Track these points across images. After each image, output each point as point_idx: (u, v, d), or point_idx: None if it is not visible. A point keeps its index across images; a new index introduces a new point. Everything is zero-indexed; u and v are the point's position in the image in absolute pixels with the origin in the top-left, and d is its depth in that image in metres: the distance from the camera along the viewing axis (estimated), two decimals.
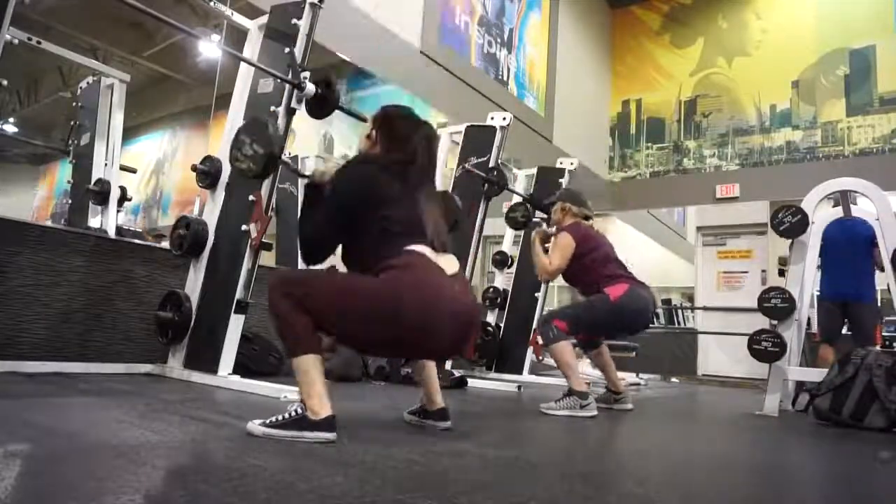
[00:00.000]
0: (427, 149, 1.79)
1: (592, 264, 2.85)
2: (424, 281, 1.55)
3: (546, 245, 3.06)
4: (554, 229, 3.07)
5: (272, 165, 2.49)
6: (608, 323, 2.82)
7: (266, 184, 2.62)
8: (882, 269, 3.47)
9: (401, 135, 1.77)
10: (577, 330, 2.76)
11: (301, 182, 1.63)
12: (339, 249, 1.77)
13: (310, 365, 1.52)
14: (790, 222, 3.38)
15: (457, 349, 1.70)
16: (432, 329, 1.55)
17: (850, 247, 3.85)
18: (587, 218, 3.04)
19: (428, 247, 1.63)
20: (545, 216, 4.60)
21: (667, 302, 10.07)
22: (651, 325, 2.93)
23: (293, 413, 1.50)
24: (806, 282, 3.43)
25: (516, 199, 4.85)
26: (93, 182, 3.64)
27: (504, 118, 4.04)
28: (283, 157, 2.71)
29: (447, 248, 1.70)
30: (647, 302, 2.82)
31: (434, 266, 1.60)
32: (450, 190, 4.05)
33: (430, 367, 1.90)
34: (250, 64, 2.78)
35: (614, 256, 2.94)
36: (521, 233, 4.91)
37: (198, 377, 2.57)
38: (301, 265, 5.16)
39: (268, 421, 1.50)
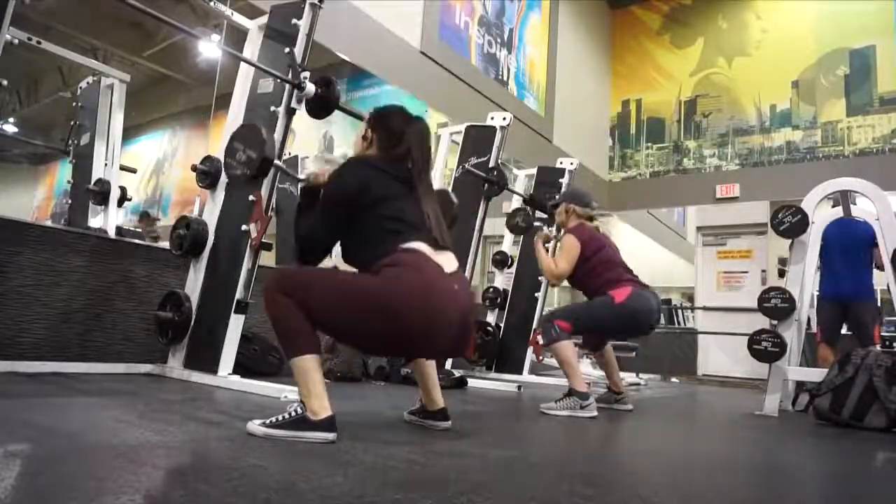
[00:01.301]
0: (422, 145, 1.79)
1: (598, 267, 2.85)
2: (423, 280, 1.55)
3: (548, 246, 3.06)
4: (554, 231, 3.06)
5: (265, 169, 2.50)
6: (612, 325, 2.82)
7: (266, 184, 2.63)
8: (882, 269, 3.47)
9: (395, 133, 1.77)
10: (579, 330, 2.76)
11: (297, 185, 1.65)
12: (339, 249, 1.77)
13: (309, 365, 1.52)
14: (790, 222, 3.38)
15: (456, 348, 1.70)
16: (431, 328, 1.55)
17: (850, 247, 3.86)
18: (591, 219, 3.03)
19: (427, 244, 1.63)
20: (545, 217, 4.61)
21: (667, 302, 10.06)
22: (654, 329, 2.93)
23: (293, 413, 1.50)
24: (806, 282, 3.43)
25: (516, 201, 4.85)
26: (93, 182, 3.63)
27: (504, 118, 4.04)
28: (282, 157, 2.71)
29: (447, 244, 1.70)
30: (652, 305, 2.81)
31: (433, 264, 1.60)
32: (450, 190, 4.05)
33: (431, 367, 1.90)
34: (250, 64, 2.78)
35: (619, 259, 2.93)
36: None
37: (198, 377, 2.57)
38: None
39: (268, 421, 1.50)
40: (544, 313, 2.94)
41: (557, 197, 3.16)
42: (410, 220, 1.66)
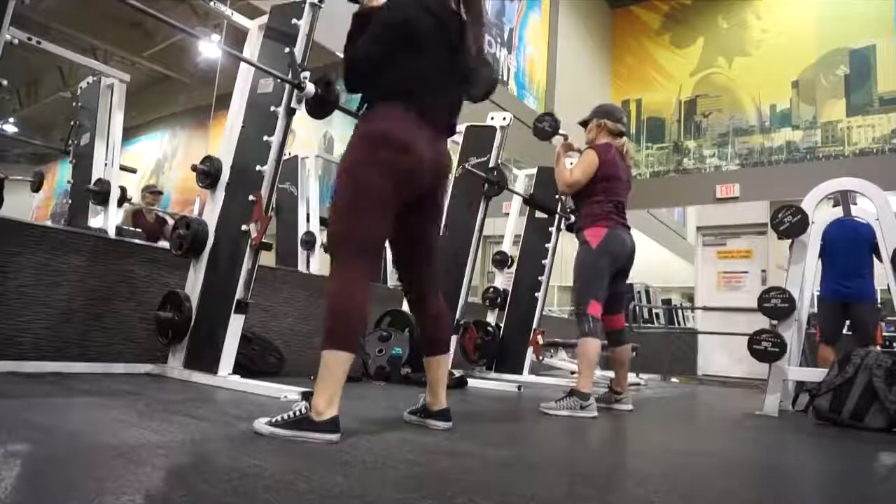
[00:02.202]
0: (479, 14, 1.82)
1: (598, 193, 2.86)
2: (397, 127, 1.68)
3: (571, 152, 3.08)
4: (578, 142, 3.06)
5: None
6: (601, 268, 2.80)
7: (266, 184, 2.63)
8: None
9: None
10: (595, 295, 2.76)
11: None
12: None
13: (339, 363, 1.53)
14: (790, 222, 3.38)
15: (431, 187, 1.78)
16: (409, 154, 1.66)
17: (850, 247, 3.86)
18: (621, 134, 3.02)
19: (422, 112, 1.71)
20: (546, 215, 4.61)
21: (667, 302, 10.07)
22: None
23: (298, 412, 1.51)
24: (806, 282, 3.43)
25: (515, 205, 4.83)
26: (93, 182, 3.63)
27: (504, 118, 4.04)
28: (282, 157, 2.71)
29: (453, 111, 1.82)
30: (627, 243, 2.85)
31: (417, 132, 1.70)
32: (449, 190, 4.05)
33: (443, 368, 1.90)
34: (250, 64, 2.78)
35: (621, 196, 2.92)
36: (522, 233, 4.91)
37: (198, 377, 2.57)
38: (302, 261, 5.16)
39: (273, 420, 1.50)
40: (573, 307, 2.93)
41: (587, 116, 3.13)
42: (430, 80, 1.73)
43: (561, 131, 3.48)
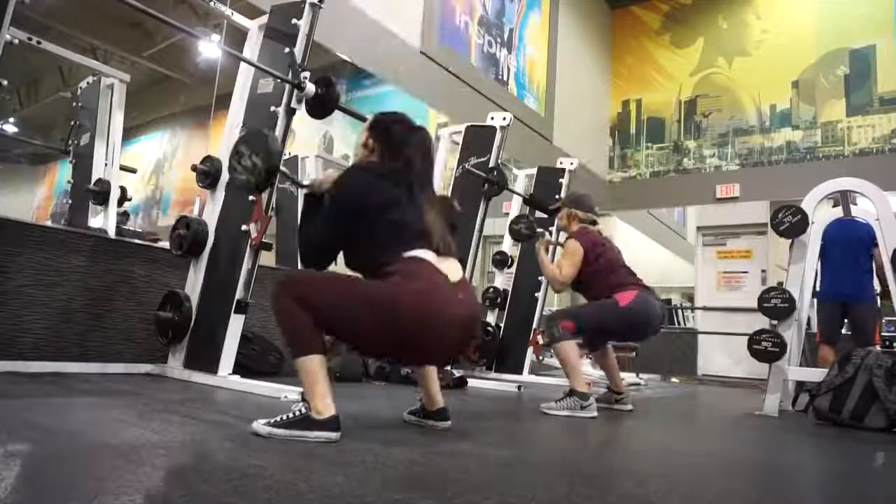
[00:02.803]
0: (423, 153, 1.80)
1: (601, 271, 2.84)
2: (426, 289, 1.56)
3: (550, 249, 3.07)
4: (556, 237, 3.06)
5: (271, 179, 2.48)
6: (616, 328, 2.81)
7: None
8: (881, 273, 3.48)
9: (396, 140, 1.78)
10: (582, 332, 2.76)
11: (301, 190, 1.67)
12: (342, 258, 1.78)
13: (313, 365, 1.53)
14: (790, 222, 3.38)
15: (457, 354, 1.71)
16: (430, 337, 1.56)
17: (850, 247, 3.85)
18: (594, 223, 3.03)
19: (431, 251, 1.64)
20: (545, 217, 4.61)
21: (667, 302, 10.06)
22: (657, 333, 2.93)
23: (297, 413, 1.51)
24: (806, 282, 3.43)
25: (515, 205, 4.83)
26: (93, 182, 3.63)
27: (504, 118, 4.05)
28: (283, 161, 2.71)
29: (451, 252, 1.71)
30: (656, 310, 2.81)
31: (437, 272, 1.61)
32: (450, 190, 4.05)
33: (431, 367, 1.91)
34: (250, 64, 2.78)
35: (622, 262, 2.93)
36: None
37: (198, 377, 2.57)
38: (301, 264, 5.16)
39: (272, 420, 1.50)
40: (548, 313, 2.93)
41: (558, 202, 3.15)
42: (414, 227, 1.67)
43: (538, 229, 3.50)
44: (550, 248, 3.13)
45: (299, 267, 1.78)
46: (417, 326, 1.53)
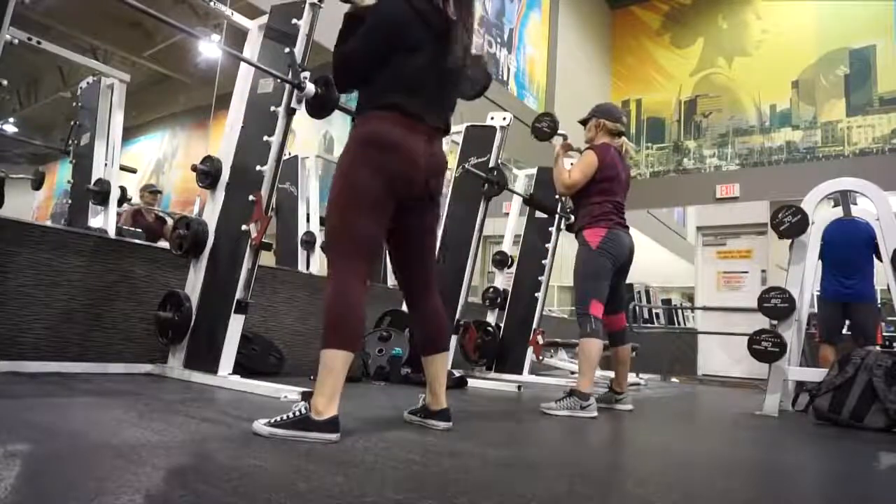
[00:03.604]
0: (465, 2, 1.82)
1: (596, 194, 2.86)
2: (397, 132, 1.68)
3: (570, 152, 3.09)
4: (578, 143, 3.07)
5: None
6: (602, 268, 2.81)
7: (266, 184, 2.63)
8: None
9: None
10: (596, 294, 2.76)
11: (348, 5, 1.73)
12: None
13: (338, 362, 1.54)
14: (790, 222, 3.38)
15: (423, 186, 1.77)
16: (401, 156, 1.67)
17: (850, 247, 3.86)
18: (621, 134, 3.03)
19: (419, 113, 1.71)
20: (546, 216, 4.61)
21: (667, 302, 10.06)
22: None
23: (298, 412, 1.51)
24: (806, 282, 3.43)
25: (515, 205, 4.83)
26: (93, 182, 3.63)
27: (504, 118, 4.04)
28: (282, 158, 2.71)
29: (447, 110, 1.83)
30: (625, 242, 2.86)
31: (417, 133, 1.71)
32: (450, 190, 4.05)
33: (442, 368, 1.90)
34: (250, 64, 2.78)
35: (619, 196, 2.93)
36: (522, 233, 4.91)
37: (198, 377, 2.57)
38: (301, 261, 5.15)
39: (273, 420, 1.50)
40: (575, 306, 2.92)
41: (588, 113, 3.14)
42: (423, 79, 1.72)
43: (560, 131, 3.48)
44: (571, 150, 3.12)
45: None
46: (389, 151, 1.66)
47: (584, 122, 3.12)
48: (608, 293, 2.83)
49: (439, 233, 3.26)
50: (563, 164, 3.02)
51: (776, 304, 3.35)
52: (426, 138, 1.75)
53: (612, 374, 3.16)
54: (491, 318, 4.72)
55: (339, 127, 6.72)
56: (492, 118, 4.09)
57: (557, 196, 4.36)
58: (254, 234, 2.58)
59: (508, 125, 4.04)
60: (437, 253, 1.97)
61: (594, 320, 2.70)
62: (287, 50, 2.64)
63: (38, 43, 3.32)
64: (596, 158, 2.88)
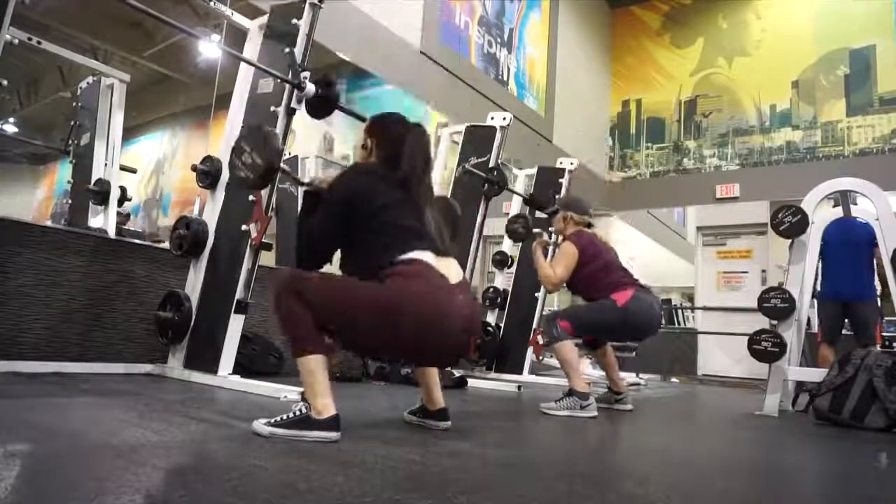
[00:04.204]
0: (421, 152, 1.80)
1: (597, 272, 2.84)
2: (426, 291, 1.56)
3: (547, 249, 3.07)
4: (553, 238, 3.06)
5: (270, 177, 2.46)
6: (614, 328, 2.81)
7: None
8: (882, 272, 3.47)
9: (394, 140, 1.79)
10: (581, 332, 2.76)
11: (300, 188, 1.68)
12: (337, 259, 1.78)
13: (314, 365, 1.53)
14: (790, 222, 3.38)
15: (457, 357, 1.71)
16: (431, 339, 1.56)
17: (850, 247, 3.85)
18: (589, 225, 3.04)
19: (430, 252, 1.64)
20: (545, 217, 4.61)
21: (667, 302, 10.06)
22: (656, 332, 2.93)
23: (298, 412, 1.51)
24: (806, 282, 3.43)
25: (515, 205, 4.83)
26: (93, 182, 3.63)
27: (504, 118, 4.04)
28: (283, 161, 2.71)
29: (449, 252, 1.71)
30: (654, 309, 2.82)
31: (436, 273, 1.61)
32: (450, 190, 4.05)
33: (432, 368, 1.90)
34: (250, 64, 2.78)
35: (619, 264, 2.93)
36: None
37: (198, 377, 2.57)
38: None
39: (273, 420, 1.50)
40: (547, 313, 2.93)
41: (555, 204, 3.16)
42: (412, 228, 1.67)
43: (535, 230, 3.51)
44: (549, 248, 3.13)
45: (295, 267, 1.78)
46: (418, 329, 1.53)
47: (551, 214, 3.13)
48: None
49: None
50: (543, 259, 3.00)
51: (776, 304, 3.35)
52: (455, 287, 1.63)
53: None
54: (491, 318, 4.72)
55: (339, 127, 6.72)
56: (492, 118, 4.09)
57: (555, 194, 4.37)
58: (254, 235, 2.58)
59: (508, 125, 4.04)
60: None
61: (559, 327, 2.69)
62: (287, 50, 2.64)
63: (38, 43, 3.31)
64: (574, 247, 2.86)
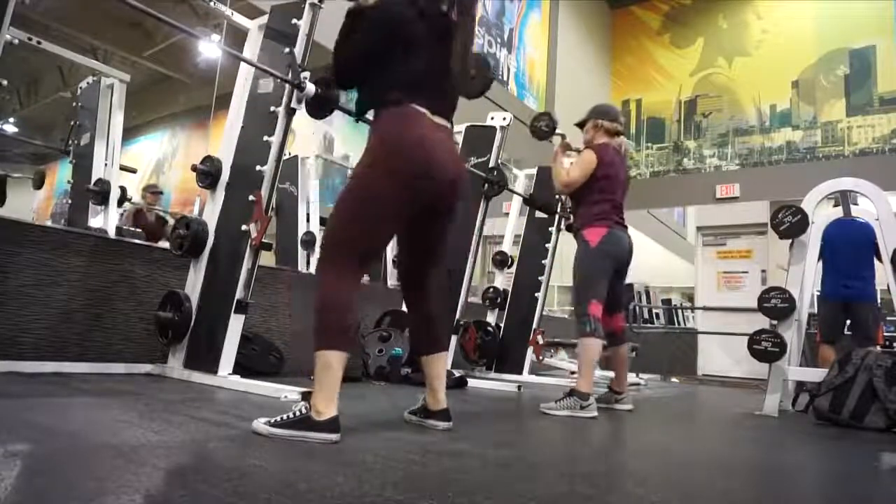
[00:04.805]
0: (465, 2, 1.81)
1: (595, 193, 2.86)
2: (427, 135, 1.66)
3: (570, 152, 3.10)
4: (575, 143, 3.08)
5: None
6: (601, 268, 2.81)
7: (266, 184, 2.63)
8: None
9: None
10: (596, 294, 2.76)
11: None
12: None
13: (333, 362, 1.53)
14: (790, 222, 3.38)
15: (448, 209, 1.78)
16: (430, 175, 1.64)
17: (850, 247, 3.85)
18: (619, 133, 3.03)
19: (431, 109, 1.70)
20: (546, 216, 4.61)
21: (667, 302, 10.07)
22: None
23: (298, 412, 1.51)
24: (806, 282, 3.43)
25: (515, 205, 4.82)
26: (93, 182, 3.63)
27: (504, 118, 4.04)
28: (282, 158, 2.72)
29: (451, 109, 1.81)
30: (625, 244, 2.87)
31: (437, 128, 1.71)
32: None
33: (441, 367, 1.90)
34: (250, 64, 2.78)
35: (618, 195, 2.94)
36: (522, 233, 4.91)
37: (198, 377, 2.57)
38: (301, 261, 5.16)
39: (273, 420, 1.50)
40: (574, 306, 2.92)
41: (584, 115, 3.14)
42: (427, 78, 1.72)
43: (558, 131, 3.48)
44: (571, 150, 3.12)
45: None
46: (418, 162, 1.63)
47: (581, 125, 3.13)
48: (607, 293, 2.83)
49: None
50: (562, 162, 3.02)
51: (776, 304, 3.35)
52: (445, 137, 1.75)
53: (611, 374, 3.16)
54: (491, 318, 4.72)
55: (339, 127, 6.72)
56: (492, 118, 4.09)
57: (557, 196, 4.36)
58: (254, 234, 2.58)
59: (508, 125, 4.04)
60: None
61: (593, 320, 2.70)
62: (287, 50, 2.64)
63: (39, 43, 3.32)
64: (595, 157, 2.88)
